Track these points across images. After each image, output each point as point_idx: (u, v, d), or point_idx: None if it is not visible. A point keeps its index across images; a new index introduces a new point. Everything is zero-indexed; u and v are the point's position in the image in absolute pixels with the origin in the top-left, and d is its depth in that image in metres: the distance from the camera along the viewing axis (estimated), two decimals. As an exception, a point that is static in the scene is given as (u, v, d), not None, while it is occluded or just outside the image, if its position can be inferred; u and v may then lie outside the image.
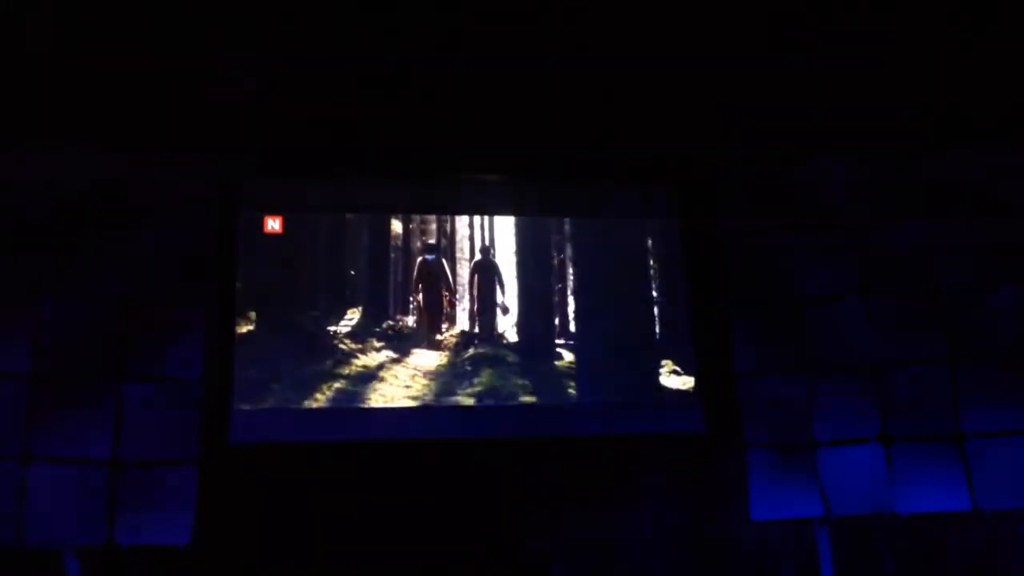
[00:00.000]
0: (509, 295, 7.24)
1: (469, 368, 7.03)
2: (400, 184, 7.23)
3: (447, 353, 7.07)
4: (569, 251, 7.38)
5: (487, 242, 7.34)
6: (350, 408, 6.76)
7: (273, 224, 6.93)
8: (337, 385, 6.77)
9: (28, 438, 5.98)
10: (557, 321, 7.26)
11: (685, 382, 7.23)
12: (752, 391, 6.96)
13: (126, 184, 6.45)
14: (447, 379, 6.96)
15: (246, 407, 6.59)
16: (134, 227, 6.40)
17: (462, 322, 7.17)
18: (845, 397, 6.86)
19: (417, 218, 7.30)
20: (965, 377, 6.74)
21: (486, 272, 7.29)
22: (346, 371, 6.83)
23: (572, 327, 7.23)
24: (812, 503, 6.76)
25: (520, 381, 7.04)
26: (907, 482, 6.64)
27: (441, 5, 6.56)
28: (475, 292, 7.23)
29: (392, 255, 7.21)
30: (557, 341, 7.22)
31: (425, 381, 6.93)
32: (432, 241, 7.31)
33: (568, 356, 7.18)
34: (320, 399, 6.72)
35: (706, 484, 6.88)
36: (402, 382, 6.90)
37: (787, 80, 7.22)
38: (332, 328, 6.90)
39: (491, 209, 7.34)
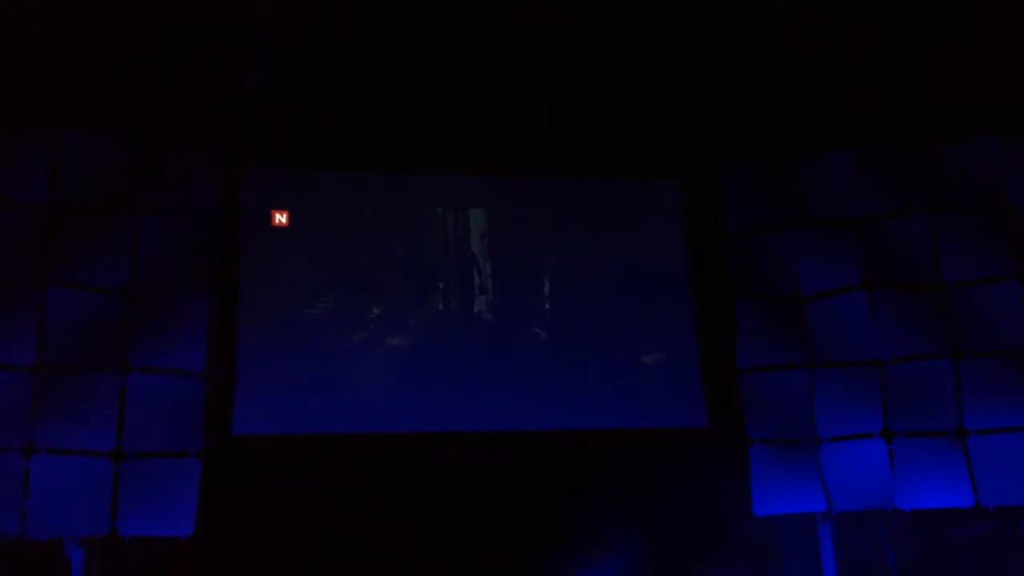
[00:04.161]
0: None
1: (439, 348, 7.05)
2: (402, 179, 7.26)
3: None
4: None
5: (460, 227, 7.34)
6: (355, 400, 6.77)
7: (280, 218, 6.93)
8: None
9: (32, 430, 5.96)
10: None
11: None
12: (755, 387, 6.97)
13: (130, 176, 6.44)
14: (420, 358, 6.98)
15: (250, 399, 6.61)
16: (138, 219, 6.38)
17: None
18: (847, 393, 6.87)
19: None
20: (968, 373, 6.74)
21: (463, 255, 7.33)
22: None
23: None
24: (815, 499, 6.77)
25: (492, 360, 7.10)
26: (909, 478, 6.64)
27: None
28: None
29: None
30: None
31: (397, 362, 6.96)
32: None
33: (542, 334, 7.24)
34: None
35: (708, 479, 6.88)
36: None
37: (791, 76, 7.24)
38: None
39: (492, 206, 7.35)
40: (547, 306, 7.25)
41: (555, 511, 6.73)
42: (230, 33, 6.52)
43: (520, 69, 7.05)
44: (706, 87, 7.24)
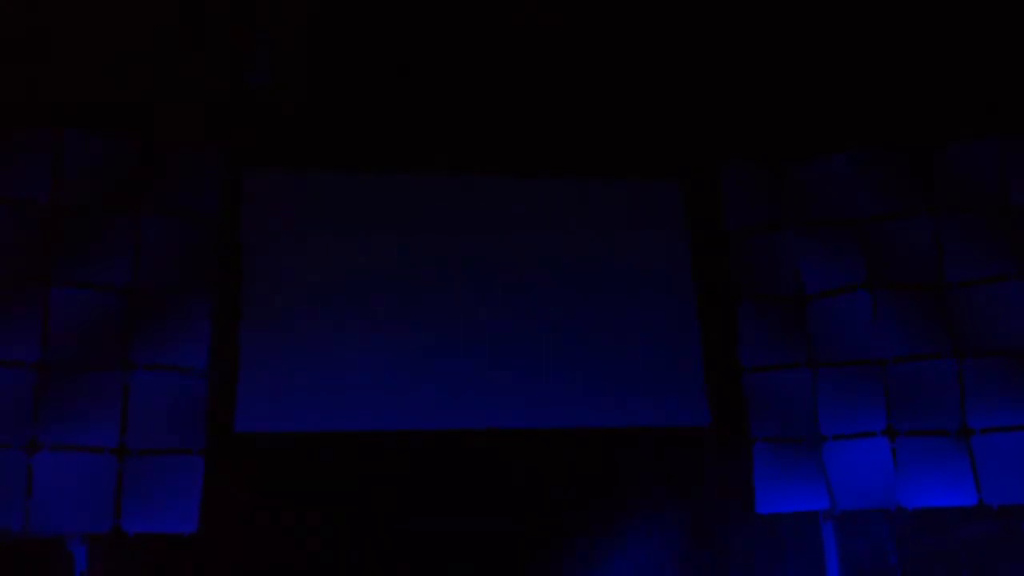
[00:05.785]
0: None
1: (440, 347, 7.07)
2: (401, 179, 7.29)
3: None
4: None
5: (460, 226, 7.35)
6: (356, 398, 6.79)
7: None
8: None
9: (35, 427, 6.02)
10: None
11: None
12: (757, 386, 6.97)
13: (131, 175, 6.51)
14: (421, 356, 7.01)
15: (251, 397, 6.65)
16: (139, 218, 6.45)
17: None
18: (850, 392, 6.87)
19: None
20: (971, 372, 6.74)
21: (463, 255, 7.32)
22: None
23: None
24: (817, 497, 6.77)
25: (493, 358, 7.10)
26: (912, 476, 6.63)
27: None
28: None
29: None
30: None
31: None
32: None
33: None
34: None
35: (711, 478, 6.88)
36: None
37: (793, 76, 7.25)
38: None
39: (492, 206, 7.39)
40: (548, 306, 7.26)
41: (557, 510, 6.72)
42: (230, 33, 6.58)
43: (521, 69, 7.08)
44: (706, 87, 7.26)
